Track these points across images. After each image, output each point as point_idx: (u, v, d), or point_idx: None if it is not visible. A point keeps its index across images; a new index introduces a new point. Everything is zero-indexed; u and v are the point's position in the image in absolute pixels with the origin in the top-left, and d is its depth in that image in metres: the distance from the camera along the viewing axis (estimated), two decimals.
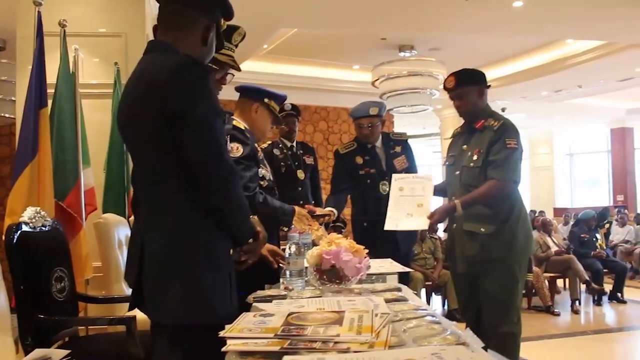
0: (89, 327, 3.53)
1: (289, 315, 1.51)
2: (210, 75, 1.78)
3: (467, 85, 3.25)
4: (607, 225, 10.64)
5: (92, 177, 4.26)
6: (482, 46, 8.70)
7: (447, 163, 3.44)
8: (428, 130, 15.55)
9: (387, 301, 1.77)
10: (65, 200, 3.70)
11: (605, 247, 8.67)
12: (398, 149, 4.17)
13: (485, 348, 1.22)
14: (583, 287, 7.63)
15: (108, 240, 3.65)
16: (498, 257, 3.13)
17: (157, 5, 1.90)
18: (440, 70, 8.51)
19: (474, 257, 3.18)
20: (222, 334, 1.35)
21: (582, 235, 8.28)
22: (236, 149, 2.68)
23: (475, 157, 3.17)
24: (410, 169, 4.16)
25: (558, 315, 7.03)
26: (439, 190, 3.47)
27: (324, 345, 1.25)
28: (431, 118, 12.31)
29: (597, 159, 16.89)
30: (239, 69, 2.54)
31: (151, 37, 3.74)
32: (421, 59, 8.65)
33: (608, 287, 7.91)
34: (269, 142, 5.00)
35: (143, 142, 1.75)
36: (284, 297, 1.93)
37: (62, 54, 3.95)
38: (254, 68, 8.87)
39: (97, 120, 4.58)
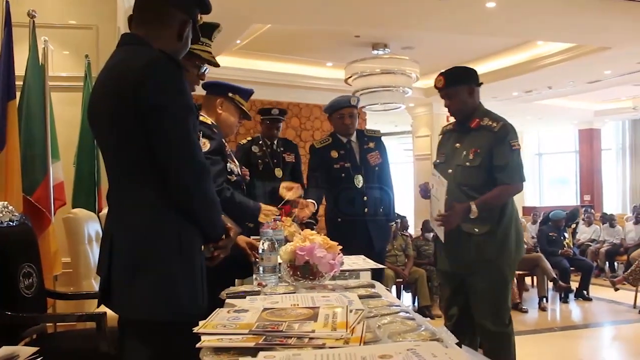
0: (58, 323, 3.47)
1: (263, 311, 1.50)
2: (184, 72, 1.76)
3: (455, 85, 3.22)
4: (573, 225, 10.81)
5: (62, 171, 4.19)
6: (455, 45, 8.75)
7: (437, 161, 3.41)
8: (400, 128, 15.62)
9: (361, 297, 1.77)
10: (34, 194, 3.63)
11: (572, 246, 8.83)
12: (372, 144, 4.27)
13: (459, 344, 1.23)
14: (550, 284, 7.76)
15: (77, 236, 3.59)
16: (491, 258, 3.12)
17: None
18: (413, 68, 8.53)
19: (467, 258, 3.17)
20: (196, 330, 1.34)
21: (550, 234, 8.42)
22: (203, 144, 2.68)
23: (471, 157, 3.15)
24: (383, 164, 4.26)
25: (526, 312, 7.15)
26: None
27: (299, 341, 1.25)
28: (403, 116, 12.37)
29: (565, 159, 17.15)
30: (218, 65, 2.54)
31: (123, 30, 3.66)
32: (394, 57, 8.65)
33: (574, 284, 8.06)
34: (249, 138, 4.98)
35: (114, 136, 1.72)
36: (257, 293, 1.92)
37: (31, 46, 3.86)
38: (227, 63, 8.79)
39: (67, 113, 4.50)
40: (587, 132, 15.43)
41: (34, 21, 3.86)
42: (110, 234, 1.73)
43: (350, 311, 1.46)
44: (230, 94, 2.93)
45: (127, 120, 1.64)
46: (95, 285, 3.52)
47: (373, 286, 2.03)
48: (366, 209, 4.10)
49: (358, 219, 4.08)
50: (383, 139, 4.42)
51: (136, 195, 1.69)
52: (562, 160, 17.39)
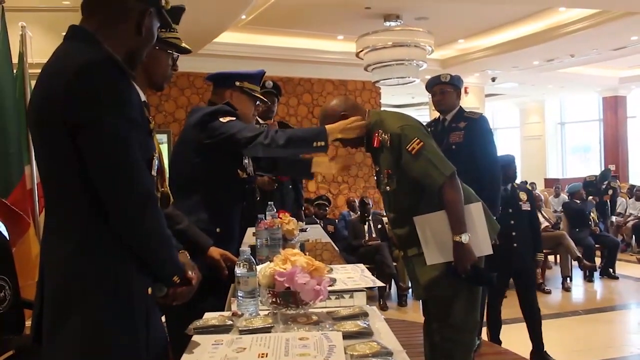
0: None
1: None
2: (127, 76, 1.44)
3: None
4: (610, 192, 10.11)
5: None
6: (471, 15, 8.36)
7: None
8: (417, 100, 15.23)
9: (348, 336, 1.49)
10: (10, 197, 3.37)
11: (598, 221, 8.43)
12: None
13: None
14: (574, 263, 7.46)
15: None
16: (440, 272, 2.56)
17: None
18: (427, 40, 8.16)
19: (427, 283, 2.63)
20: None
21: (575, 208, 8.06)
22: (228, 119, 2.50)
23: (386, 180, 2.66)
24: None
25: (549, 293, 6.90)
26: None
27: None
28: (420, 88, 11.98)
29: (589, 127, 16.61)
30: (190, 51, 2.24)
31: None
32: (407, 28, 8.28)
33: (599, 260, 7.76)
34: None
35: (45, 152, 1.44)
36: (229, 328, 1.64)
37: (0, 33, 3.56)
38: (232, 40, 8.47)
39: None
40: (612, 99, 14.89)
41: (2, 6, 3.55)
42: (42, 263, 1.46)
43: None
44: (237, 83, 2.67)
45: (53, 135, 1.36)
46: None
47: (366, 315, 1.73)
48: None
49: None
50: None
51: (66, 221, 1.40)
52: (585, 129, 16.85)
